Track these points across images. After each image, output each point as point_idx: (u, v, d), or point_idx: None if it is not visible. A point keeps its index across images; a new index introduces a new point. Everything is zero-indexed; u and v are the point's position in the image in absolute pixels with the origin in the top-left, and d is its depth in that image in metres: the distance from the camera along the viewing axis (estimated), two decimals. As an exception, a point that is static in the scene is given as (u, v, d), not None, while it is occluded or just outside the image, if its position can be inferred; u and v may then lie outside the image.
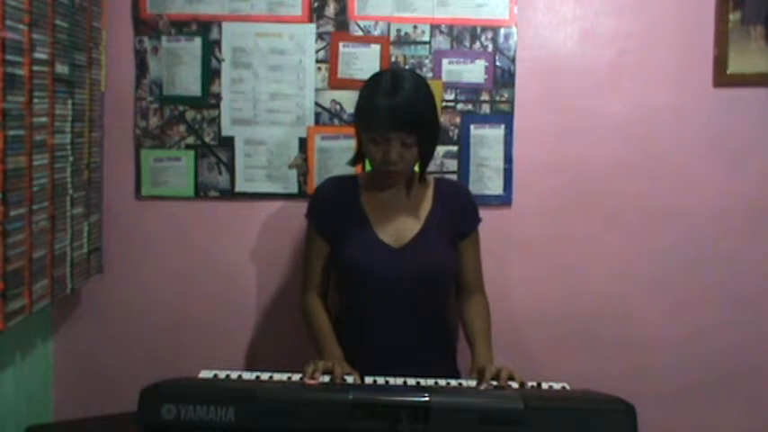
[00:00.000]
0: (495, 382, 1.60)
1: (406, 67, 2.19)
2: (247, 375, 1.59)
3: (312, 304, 1.91)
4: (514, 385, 1.59)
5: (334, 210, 1.89)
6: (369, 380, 1.61)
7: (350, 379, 1.59)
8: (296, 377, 1.61)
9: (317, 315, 1.88)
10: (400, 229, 1.86)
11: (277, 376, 1.61)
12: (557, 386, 1.62)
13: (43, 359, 2.15)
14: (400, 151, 1.75)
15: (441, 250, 1.85)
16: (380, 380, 1.61)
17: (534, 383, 1.63)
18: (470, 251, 1.93)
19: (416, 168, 1.91)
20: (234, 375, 1.58)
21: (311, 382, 1.55)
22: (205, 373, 1.58)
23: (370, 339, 1.82)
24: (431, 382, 1.59)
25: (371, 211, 1.88)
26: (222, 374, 1.57)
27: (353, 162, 1.97)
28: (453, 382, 1.60)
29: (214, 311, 2.24)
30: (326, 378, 1.58)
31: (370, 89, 1.78)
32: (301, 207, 2.21)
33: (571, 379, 1.69)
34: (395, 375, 1.63)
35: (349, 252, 1.84)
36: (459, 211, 1.92)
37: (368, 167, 2.01)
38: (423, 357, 1.83)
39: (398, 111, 1.71)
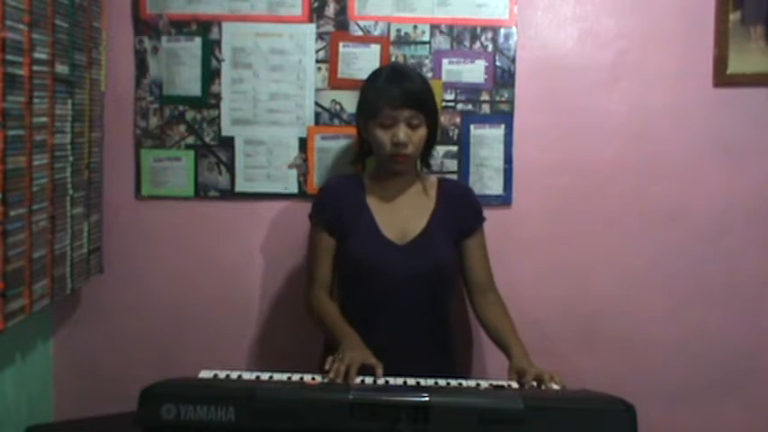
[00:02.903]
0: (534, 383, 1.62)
1: (406, 67, 2.20)
2: (247, 375, 1.59)
3: (319, 297, 1.90)
4: (556, 387, 1.60)
5: (339, 207, 1.90)
6: (369, 380, 1.61)
7: (369, 380, 1.59)
8: (296, 377, 1.61)
9: (325, 305, 1.87)
10: (405, 227, 1.87)
11: (277, 376, 1.61)
12: (556, 386, 1.62)
13: (43, 359, 2.15)
14: (408, 132, 1.80)
15: (444, 248, 1.87)
16: (380, 380, 1.61)
17: (534, 383, 1.63)
18: (477, 249, 1.94)
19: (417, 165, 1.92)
20: (234, 375, 1.58)
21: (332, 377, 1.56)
22: (205, 373, 1.58)
23: (372, 335, 1.82)
24: (431, 381, 1.60)
25: (376, 208, 1.90)
26: (222, 374, 1.57)
27: (354, 161, 1.98)
28: (453, 382, 1.60)
29: (214, 311, 2.24)
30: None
31: (372, 80, 1.88)
32: (301, 207, 2.21)
33: (571, 379, 1.69)
34: (395, 371, 1.63)
35: (354, 248, 1.85)
36: (462, 210, 1.93)
37: (367, 168, 2.02)
38: (423, 354, 1.84)
39: (404, 89, 1.81)
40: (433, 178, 1.98)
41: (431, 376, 1.62)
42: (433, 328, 1.89)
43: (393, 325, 1.83)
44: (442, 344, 1.93)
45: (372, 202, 1.90)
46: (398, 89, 1.80)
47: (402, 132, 1.80)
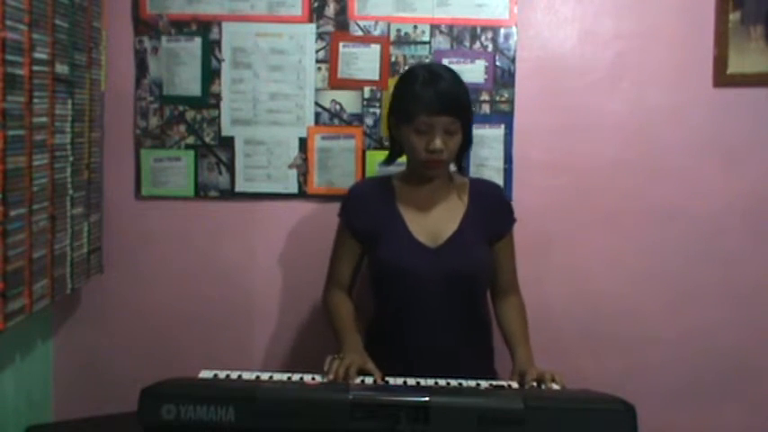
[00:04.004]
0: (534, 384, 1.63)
1: (407, 67, 2.18)
2: (247, 375, 1.59)
3: (334, 297, 1.90)
4: (556, 387, 1.61)
5: (368, 210, 1.88)
6: (369, 380, 1.61)
7: (369, 380, 1.60)
8: (296, 377, 1.61)
9: (337, 306, 1.87)
10: (436, 229, 1.85)
11: (277, 376, 1.61)
12: (556, 386, 1.63)
13: (43, 359, 2.15)
14: (444, 138, 1.76)
15: (477, 250, 1.85)
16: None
17: (535, 383, 1.63)
18: (506, 252, 1.93)
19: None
20: (234, 375, 1.58)
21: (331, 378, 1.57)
22: (205, 373, 1.58)
23: (406, 340, 1.82)
24: (431, 381, 1.60)
25: (407, 211, 1.87)
26: (222, 374, 1.57)
27: (387, 161, 1.96)
28: (453, 382, 1.60)
29: (214, 311, 2.24)
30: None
31: (408, 82, 1.80)
32: (301, 207, 2.22)
33: (571, 379, 1.69)
34: (431, 376, 1.63)
35: (385, 252, 1.83)
36: (494, 212, 1.91)
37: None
38: (459, 358, 1.82)
39: (442, 95, 1.74)
40: (464, 178, 1.95)
41: (468, 377, 1.62)
42: (469, 329, 1.87)
43: (428, 328, 1.82)
44: (480, 345, 1.91)
45: (403, 206, 1.87)
46: (436, 96, 1.73)
47: (438, 140, 1.74)
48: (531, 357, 1.77)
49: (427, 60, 2.19)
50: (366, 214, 1.88)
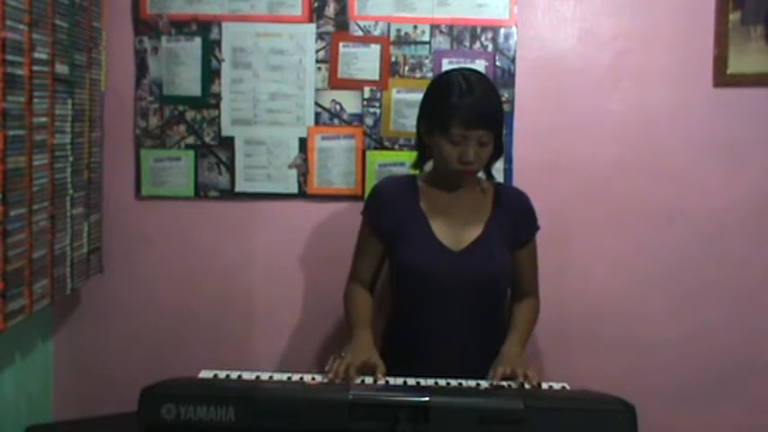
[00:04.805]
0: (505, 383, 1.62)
1: (407, 67, 2.19)
2: (247, 375, 1.59)
3: (354, 290, 1.89)
4: (526, 385, 1.60)
5: (392, 210, 1.86)
6: (369, 380, 1.61)
7: (369, 380, 1.60)
8: (296, 377, 1.61)
9: (354, 299, 1.86)
10: (460, 233, 1.83)
11: (277, 376, 1.61)
12: (557, 386, 1.63)
13: (43, 359, 2.15)
14: (477, 150, 1.74)
15: (499, 256, 1.84)
16: (381, 380, 1.61)
17: (535, 383, 1.63)
18: (529, 258, 1.92)
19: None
20: (234, 375, 1.58)
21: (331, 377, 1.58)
22: (205, 373, 1.58)
23: (426, 341, 1.82)
24: (431, 381, 1.60)
25: (431, 212, 1.85)
26: (222, 374, 1.57)
27: (417, 165, 1.94)
28: (453, 382, 1.60)
29: (214, 311, 2.24)
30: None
31: (443, 90, 1.77)
32: (301, 207, 2.22)
33: (571, 379, 1.69)
34: (449, 375, 1.62)
35: (407, 254, 1.82)
36: (519, 219, 1.89)
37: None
38: (478, 361, 1.79)
39: (479, 110, 1.72)
40: (489, 183, 1.93)
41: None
42: (488, 334, 1.85)
43: (448, 331, 1.81)
44: (495, 349, 1.88)
45: (427, 207, 1.86)
46: (473, 109, 1.71)
47: (472, 151, 1.73)
48: (515, 353, 1.75)
49: (427, 61, 2.19)
50: (390, 213, 1.86)
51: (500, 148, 1.83)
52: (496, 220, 1.86)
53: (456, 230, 1.84)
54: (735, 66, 2.20)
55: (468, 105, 1.72)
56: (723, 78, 2.21)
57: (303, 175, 2.22)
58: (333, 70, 2.20)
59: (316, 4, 2.18)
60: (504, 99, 2.20)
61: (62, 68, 1.83)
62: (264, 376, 1.60)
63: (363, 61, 2.19)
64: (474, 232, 1.83)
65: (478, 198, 1.88)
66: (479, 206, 1.87)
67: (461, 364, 1.76)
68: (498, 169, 2.22)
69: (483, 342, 1.84)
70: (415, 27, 2.19)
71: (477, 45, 2.21)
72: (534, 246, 1.93)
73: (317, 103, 2.20)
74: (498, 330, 1.90)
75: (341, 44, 2.19)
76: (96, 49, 2.05)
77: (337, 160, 2.21)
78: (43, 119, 1.73)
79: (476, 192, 1.89)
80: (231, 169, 2.21)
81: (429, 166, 1.92)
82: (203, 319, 2.24)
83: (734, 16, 2.19)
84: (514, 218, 1.88)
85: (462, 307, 1.81)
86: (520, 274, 1.90)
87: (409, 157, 2.10)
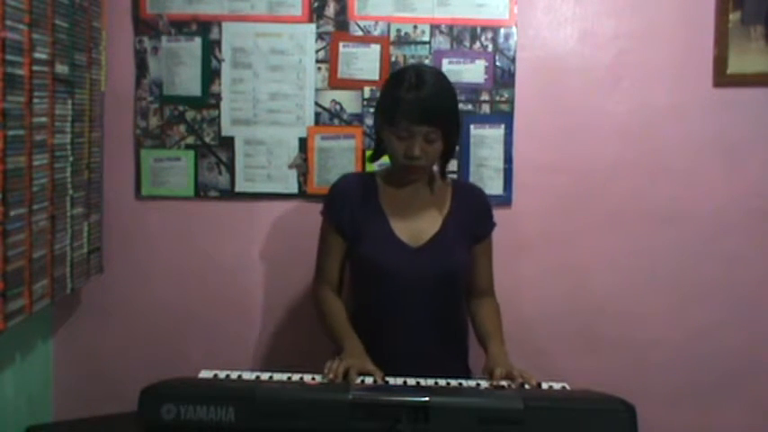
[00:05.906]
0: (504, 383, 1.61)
1: (406, 67, 2.19)
2: (247, 375, 1.59)
3: (326, 296, 1.89)
4: (526, 385, 1.59)
5: (351, 206, 1.87)
6: (369, 380, 1.61)
7: (369, 380, 1.59)
8: (296, 377, 1.61)
9: (332, 306, 1.86)
10: (418, 229, 1.85)
11: (277, 376, 1.61)
12: (557, 386, 1.62)
13: (43, 359, 2.15)
14: (423, 146, 1.74)
15: (458, 251, 1.85)
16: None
17: (534, 383, 1.63)
18: (484, 255, 1.93)
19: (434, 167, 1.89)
20: (234, 375, 1.58)
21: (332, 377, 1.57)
22: (205, 373, 1.58)
23: (385, 337, 1.81)
24: (431, 381, 1.59)
25: (389, 208, 1.86)
26: (222, 374, 1.57)
27: (372, 158, 1.96)
28: (453, 382, 1.60)
29: (214, 311, 2.24)
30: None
31: (394, 84, 1.77)
32: (301, 207, 2.22)
33: (571, 379, 1.69)
34: (407, 373, 1.62)
35: (366, 250, 1.83)
36: (477, 214, 1.91)
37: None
38: (436, 357, 1.82)
39: (424, 104, 1.72)
40: (447, 180, 1.94)
41: (443, 376, 1.61)
42: (447, 330, 1.87)
43: (407, 327, 1.82)
44: (457, 347, 1.92)
45: (385, 204, 1.87)
46: (417, 104, 1.71)
47: (417, 147, 1.73)
48: (503, 354, 1.75)
49: (427, 61, 2.19)
50: (349, 210, 1.87)
51: (453, 146, 1.84)
52: (454, 216, 1.87)
53: (414, 227, 1.85)
54: (735, 66, 2.20)
55: (414, 99, 1.72)
56: (723, 78, 2.21)
57: (303, 175, 2.22)
58: (333, 70, 2.20)
59: (316, 4, 2.18)
60: (504, 99, 2.22)
61: (62, 68, 1.83)
62: (264, 376, 1.60)
63: (363, 61, 2.19)
64: (432, 229, 1.85)
65: (436, 194, 1.89)
66: (437, 202, 1.88)
67: (422, 361, 1.76)
68: (498, 169, 2.23)
69: (443, 338, 1.85)
70: (415, 27, 2.19)
71: (477, 45, 2.21)
72: (490, 242, 1.94)
73: (316, 103, 2.21)
74: (458, 326, 1.92)
75: (341, 44, 2.19)
76: (96, 49, 2.05)
77: (337, 160, 2.21)
78: (43, 119, 1.73)
79: (433, 189, 1.89)
80: (231, 169, 2.21)
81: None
82: (203, 319, 2.24)
83: (734, 16, 2.19)
84: (471, 214, 1.90)
85: (422, 303, 1.82)
86: (476, 270, 1.91)
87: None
